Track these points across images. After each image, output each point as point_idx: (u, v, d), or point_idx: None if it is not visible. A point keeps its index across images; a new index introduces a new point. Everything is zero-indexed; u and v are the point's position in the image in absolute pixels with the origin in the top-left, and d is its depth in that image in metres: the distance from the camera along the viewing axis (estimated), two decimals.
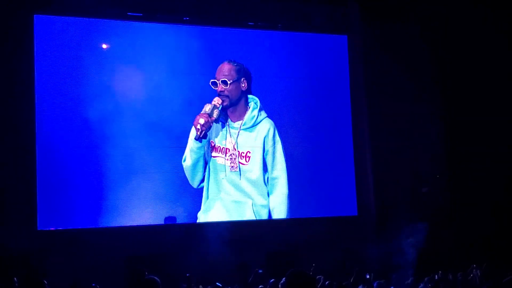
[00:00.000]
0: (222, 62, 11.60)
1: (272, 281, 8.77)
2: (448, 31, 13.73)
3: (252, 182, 11.75)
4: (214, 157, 11.62)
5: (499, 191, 13.22)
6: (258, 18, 12.53)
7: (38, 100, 10.87)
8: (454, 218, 13.27)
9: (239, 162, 11.66)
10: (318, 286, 8.73)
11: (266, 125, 11.77)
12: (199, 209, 11.64)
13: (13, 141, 10.76)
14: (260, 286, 9.25)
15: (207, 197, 11.65)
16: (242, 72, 11.58)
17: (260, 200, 11.81)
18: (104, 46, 11.48)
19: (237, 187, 11.69)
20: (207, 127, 11.05)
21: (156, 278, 5.01)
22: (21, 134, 10.83)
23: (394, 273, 9.46)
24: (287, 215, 11.98)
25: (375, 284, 8.78)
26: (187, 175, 11.52)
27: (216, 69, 11.54)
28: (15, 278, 7.13)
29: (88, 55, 11.29)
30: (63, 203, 10.94)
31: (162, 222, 11.50)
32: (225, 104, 11.37)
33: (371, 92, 13.13)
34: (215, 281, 9.89)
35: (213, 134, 11.49)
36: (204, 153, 11.52)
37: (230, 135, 11.62)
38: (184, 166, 11.50)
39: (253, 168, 11.74)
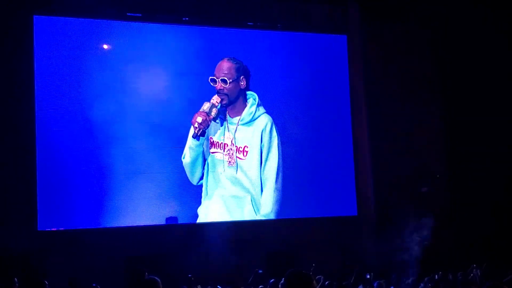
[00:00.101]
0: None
1: (272, 281, 8.78)
2: (448, 31, 13.73)
3: (250, 176, 11.76)
4: (212, 152, 11.66)
5: (499, 191, 13.21)
6: (257, 18, 12.53)
7: (38, 100, 10.88)
8: (454, 218, 13.27)
9: (236, 156, 11.70)
10: (318, 286, 8.74)
11: (264, 120, 11.80)
12: (199, 205, 11.67)
13: (13, 141, 10.77)
14: (260, 286, 9.26)
15: (206, 193, 11.67)
16: (241, 70, 11.61)
17: (258, 194, 11.83)
18: (105, 46, 11.49)
19: (235, 182, 11.71)
20: (205, 125, 11.11)
21: (156, 278, 5.01)
22: (21, 134, 10.84)
23: (394, 273, 9.48)
24: (276, 210, 11.92)
25: (375, 284, 8.79)
26: (186, 172, 11.55)
27: (216, 65, 11.58)
28: (15, 279, 7.13)
29: (88, 56, 11.28)
30: (63, 204, 10.94)
31: (163, 222, 11.50)
32: (224, 102, 11.42)
33: (371, 91, 13.12)
34: (214, 281, 9.91)
35: (212, 130, 11.52)
36: (203, 151, 11.56)
37: (229, 130, 11.66)
38: (183, 163, 11.54)
39: (251, 162, 11.76)
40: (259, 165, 11.80)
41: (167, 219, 11.51)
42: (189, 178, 11.57)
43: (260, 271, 10.20)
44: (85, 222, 11.04)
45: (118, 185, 11.28)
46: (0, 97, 10.72)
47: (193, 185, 11.61)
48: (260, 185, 11.85)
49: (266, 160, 11.84)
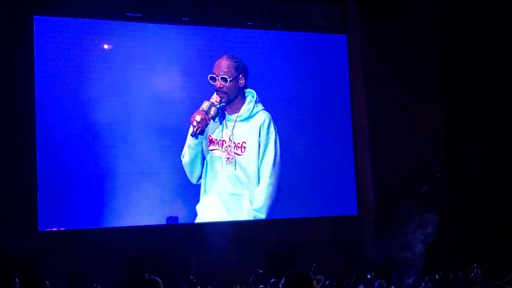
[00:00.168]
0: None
1: (272, 281, 8.78)
2: (448, 31, 13.73)
3: (248, 173, 11.78)
4: (211, 150, 11.66)
5: (499, 191, 13.21)
6: (257, 18, 12.53)
7: (38, 100, 10.89)
8: (454, 218, 13.26)
9: (234, 153, 11.71)
10: (319, 286, 8.74)
11: (262, 116, 11.83)
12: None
13: (14, 141, 10.77)
14: (261, 286, 9.26)
15: (205, 191, 11.67)
16: (240, 69, 11.65)
17: (254, 189, 11.83)
18: (105, 46, 11.49)
19: (233, 179, 11.73)
20: (203, 124, 11.15)
21: (157, 278, 5.01)
22: (21, 134, 10.84)
23: (394, 273, 9.47)
24: (268, 205, 11.90)
25: (376, 284, 8.79)
26: (186, 171, 11.57)
27: (214, 63, 11.59)
28: (16, 279, 7.13)
29: (88, 56, 11.29)
30: (64, 204, 10.94)
31: (164, 222, 11.49)
32: (223, 101, 11.46)
33: (371, 91, 13.12)
34: (215, 281, 9.91)
35: (211, 128, 11.52)
36: (202, 149, 11.57)
37: (227, 127, 11.69)
38: (183, 162, 11.56)
39: (249, 158, 11.79)
40: (257, 160, 11.82)
41: (167, 218, 11.51)
42: (188, 177, 11.59)
43: (261, 271, 10.21)
44: (85, 222, 11.04)
45: (119, 185, 11.28)
46: (0, 97, 10.71)
47: (194, 184, 11.62)
48: (257, 180, 11.86)
49: (263, 155, 11.86)
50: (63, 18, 11.24)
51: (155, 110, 11.52)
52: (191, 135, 11.27)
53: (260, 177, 11.87)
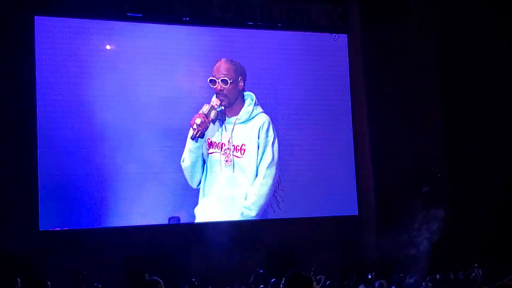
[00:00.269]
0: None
1: (273, 281, 8.78)
2: (448, 31, 13.73)
3: (246, 175, 11.78)
4: (211, 153, 11.65)
5: (499, 191, 13.21)
6: (258, 18, 12.53)
7: (39, 100, 10.89)
8: (454, 218, 13.26)
9: (233, 155, 11.70)
10: (319, 286, 8.74)
11: (262, 119, 11.86)
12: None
13: (15, 141, 10.77)
14: (261, 286, 9.26)
15: (204, 193, 11.66)
16: (239, 71, 11.69)
17: (248, 189, 11.82)
18: (107, 47, 11.49)
19: (231, 182, 11.73)
20: (203, 127, 11.16)
21: (158, 279, 5.01)
22: (22, 134, 10.84)
23: (395, 273, 9.48)
24: (259, 204, 11.90)
25: (376, 284, 8.78)
26: (186, 176, 11.55)
27: (213, 67, 11.59)
28: (18, 279, 7.13)
29: (88, 56, 11.30)
30: (65, 204, 10.94)
31: (164, 222, 11.49)
32: (223, 104, 11.47)
33: (371, 91, 13.12)
34: (215, 281, 9.92)
35: (210, 131, 11.51)
36: (202, 153, 11.56)
37: (226, 130, 11.69)
38: (183, 167, 11.54)
39: (248, 160, 11.81)
40: (256, 162, 11.83)
41: (169, 219, 11.50)
42: (188, 181, 11.58)
43: (261, 271, 10.22)
44: (86, 222, 11.04)
45: (119, 185, 11.28)
46: (1, 97, 10.73)
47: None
48: (253, 180, 11.86)
49: (261, 157, 11.86)
50: (64, 18, 11.26)
51: (157, 110, 11.52)
52: (191, 138, 11.27)
53: (255, 177, 11.86)
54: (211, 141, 11.64)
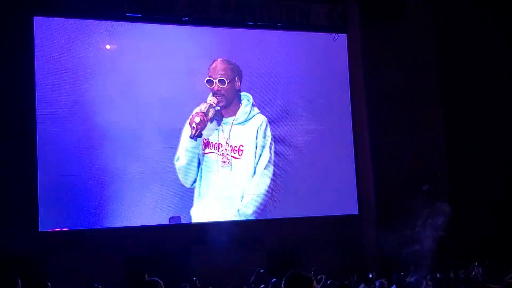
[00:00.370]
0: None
1: (273, 281, 8.77)
2: (448, 31, 13.73)
3: (243, 175, 11.75)
4: (207, 153, 11.61)
5: (499, 191, 13.21)
6: (257, 17, 12.53)
7: (38, 100, 10.89)
8: (454, 218, 13.25)
9: (231, 156, 11.69)
10: (320, 286, 8.73)
11: (259, 119, 11.86)
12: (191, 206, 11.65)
13: (14, 142, 10.76)
14: (262, 286, 9.25)
15: (199, 194, 11.62)
16: (236, 71, 11.68)
17: (246, 188, 11.80)
18: (107, 47, 11.49)
19: (228, 182, 11.71)
20: (202, 126, 11.12)
21: (158, 279, 5.00)
22: (21, 134, 10.83)
23: (395, 272, 9.47)
24: (257, 203, 11.91)
25: (377, 283, 8.78)
26: (180, 175, 11.49)
27: (210, 67, 11.58)
28: (18, 279, 7.10)
29: (88, 56, 11.29)
30: (65, 204, 10.92)
31: (165, 222, 11.47)
32: (221, 104, 11.44)
33: (371, 91, 13.12)
34: (216, 281, 9.90)
35: (206, 131, 11.46)
36: (198, 152, 11.52)
37: (223, 131, 11.66)
38: (177, 166, 11.49)
39: (246, 161, 11.78)
40: (254, 162, 11.81)
41: (170, 219, 11.48)
42: (182, 181, 11.53)
43: (262, 271, 10.21)
44: (86, 223, 11.02)
45: (119, 185, 11.27)
46: (0, 97, 10.71)
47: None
48: (250, 179, 11.84)
49: (259, 157, 11.85)
50: (63, 19, 11.25)
51: (157, 110, 11.50)
52: (190, 137, 11.19)
53: (253, 176, 11.84)
54: (207, 141, 11.60)
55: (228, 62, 11.69)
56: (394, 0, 13.12)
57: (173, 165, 11.56)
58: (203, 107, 11.26)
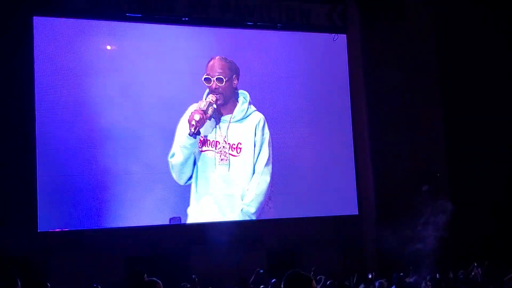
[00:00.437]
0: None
1: (273, 281, 8.77)
2: (448, 31, 13.73)
3: (242, 172, 11.73)
4: (203, 151, 11.57)
5: (499, 191, 13.20)
6: (257, 18, 12.52)
7: (38, 100, 10.88)
8: (454, 218, 13.25)
9: (229, 154, 11.66)
10: (320, 286, 8.73)
11: (257, 117, 11.84)
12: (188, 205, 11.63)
13: (13, 142, 10.75)
14: (262, 286, 9.25)
15: (196, 192, 11.56)
16: (233, 69, 11.66)
17: (247, 186, 11.79)
18: (108, 47, 11.48)
19: (227, 180, 11.67)
20: (201, 123, 11.07)
21: (157, 280, 5.00)
22: (21, 135, 10.83)
23: (395, 272, 9.47)
24: (259, 201, 11.87)
25: (376, 284, 8.78)
26: (174, 172, 11.41)
27: (207, 65, 11.58)
28: (18, 280, 7.11)
29: (87, 56, 11.28)
30: (64, 204, 10.91)
31: (165, 223, 11.46)
32: (219, 102, 11.41)
33: (371, 91, 13.12)
34: (215, 281, 9.90)
35: (203, 129, 11.35)
36: (195, 150, 11.48)
37: (220, 128, 11.63)
38: (172, 163, 11.43)
39: (244, 159, 11.75)
40: (252, 160, 11.79)
41: (170, 219, 11.47)
42: (176, 178, 11.44)
43: (261, 271, 10.21)
44: (85, 223, 11.02)
45: (119, 185, 11.26)
46: (0, 97, 10.69)
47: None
48: (250, 178, 11.82)
49: (258, 155, 11.83)
50: (63, 19, 11.24)
51: (157, 110, 11.50)
52: (189, 134, 11.11)
53: (253, 174, 11.83)
54: (204, 139, 11.56)
55: (225, 60, 11.67)
56: (394, 0, 13.11)
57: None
58: (202, 104, 11.21)
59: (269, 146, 11.94)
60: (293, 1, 12.78)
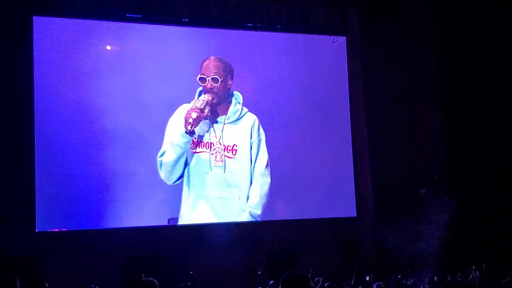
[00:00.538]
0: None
1: (271, 283, 8.78)
2: (448, 31, 13.71)
3: (239, 174, 11.72)
4: (197, 152, 11.52)
5: (499, 191, 13.19)
6: (257, 19, 12.52)
7: (37, 100, 10.88)
8: (453, 219, 13.24)
9: (225, 156, 11.64)
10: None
11: (251, 119, 11.84)
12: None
13: (12, 142, 10.76)
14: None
15: (189, 195, 11.51)
16: (228, 70, 11.66)
17: (246, 188, 11.78)
18: (107, 47, 11.48)
19: (222, 182, 11.64)
20: (198, 121, 11.04)
21: (154, 280, 5.01)
22: (20, 135, 10.83)
23: (393, 275, 9.47)
24: (263, 203, 11.88)
25: (374, 286, 8.76)
26: (163, 171, 11.33)
27: (202, 64, 11.56)
28: (17, 280, 7.13)
29: (87, 56, 11.28)
30: (63, 205, 10.92)
31: (164, 223, 11.46)
32: (214, 101, 11.39)
33: (370, 91, 13.11)
34: (214, 282, 9.91)
35: (196, 129, 11.27)
36: (188, 150, 11.44)
37: (214, 130, 11.60)
38: (162, 161, 11.34)
39: (241, 160, 11.74)
40: (250, 162, 11.78)
41: (169, 220, 11.47)
42: (164, 177, 11.33)
43: (260, 272, 10.22)
44: (84, 223, 11.03)
45: (118, 185, 11.27)
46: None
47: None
48: (250, 180, 11.80)
49: (256, 156, 11.82)
50: (63, 19, 11.24)
51: (156, 111, 11.50)
52: (185, 132, 11.06)
53: (253, 176, 11.82)
54: (198, 140, 11.52)
55: (220, 60, 11.66)
56: (393, 2, 13.09)
57: None
58: (198, 103, 11.16)
59: (266, 147, 11.93)
60: (293, 3, 12.77)
